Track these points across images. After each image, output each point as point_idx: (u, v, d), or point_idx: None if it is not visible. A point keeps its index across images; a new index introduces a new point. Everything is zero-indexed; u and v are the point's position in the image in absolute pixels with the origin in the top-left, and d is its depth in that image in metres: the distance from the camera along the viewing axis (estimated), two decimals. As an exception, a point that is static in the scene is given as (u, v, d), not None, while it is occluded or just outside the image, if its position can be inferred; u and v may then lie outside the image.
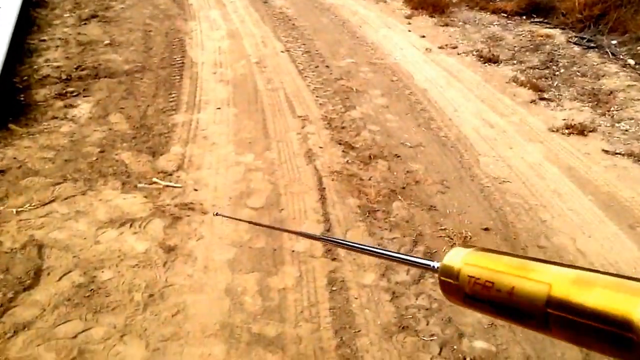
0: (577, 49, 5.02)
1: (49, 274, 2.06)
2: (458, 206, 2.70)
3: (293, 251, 2.29)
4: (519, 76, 4.42)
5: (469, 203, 2.74)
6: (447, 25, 5.71)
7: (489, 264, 0.44)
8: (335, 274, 2.17)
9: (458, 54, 4.93)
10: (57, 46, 4.31)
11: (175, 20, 5.24)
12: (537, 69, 4.60)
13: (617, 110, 3.84)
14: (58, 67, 3.93)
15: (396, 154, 3.13)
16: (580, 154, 3.29)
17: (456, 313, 2.02)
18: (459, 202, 2.74)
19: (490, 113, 3.80)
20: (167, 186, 2.68)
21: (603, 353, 0.36)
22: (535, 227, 2.58)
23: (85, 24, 4.86)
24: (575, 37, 5.25)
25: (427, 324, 1.97)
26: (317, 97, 3.82)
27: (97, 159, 2.86)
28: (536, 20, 5.84)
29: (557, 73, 4.52)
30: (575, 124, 3.58)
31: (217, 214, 1.96)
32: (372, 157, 3.07)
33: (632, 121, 3.69)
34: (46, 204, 2.46)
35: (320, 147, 3.14)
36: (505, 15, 6.02)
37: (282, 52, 4.66)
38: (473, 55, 4.89)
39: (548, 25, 5.66)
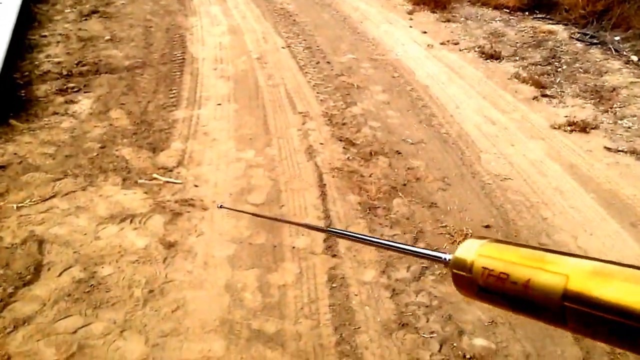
0: (579, 45, 4.99)
1: (49, 269, 2.06)
2: (459, 203, 2.69)
3: (293, 248, 2.29)
4: (521, 73, 4.39)
5: (470, 200, 2.73)
6: (448, 21, 5.68)
7: (503, 256, 0.43)
8: (335, 271, 2.17)
9: (460, 50, 4.91)
10: (58, 42, 4.30)
11: (176, 16, 5.22)
12: (540, 65, 4.57)
13: (619, 107, 3.82)
14: (59, 62, 3.92)
15: (397, 151, 3.12)
16: (582, 151, 3.28)
17: (456, 310, 2.02)
18: (460, 199, 2.73)
19: (492, 110, 3.78)
20: (168, 182, 2.68)
21: (622, 348, 0.35)
22: (537, 225, 2.57)
23: (86, 19, 4.85)
24: (578, 33, 5.22)
25: (427, 321, 1.97)
26: (318, 93, 3.81)
27: (97, 155, 2.86)
28: (539, 16, 5.81)
29: (559, 69, 4.49)
30: (577, 121, 3.57)
31: (221, 206, 1.99)
32: (372, 153, 3.06)
33: (635, 118, 3.67)
34: (47, 199, 2.46)
35: (321, 144, 3.13)
36: (508, 11, 5.98)
37: (283, 48, 4.65)
38: (475, 51, 4.86)
39: (550, 21, 5.62)
